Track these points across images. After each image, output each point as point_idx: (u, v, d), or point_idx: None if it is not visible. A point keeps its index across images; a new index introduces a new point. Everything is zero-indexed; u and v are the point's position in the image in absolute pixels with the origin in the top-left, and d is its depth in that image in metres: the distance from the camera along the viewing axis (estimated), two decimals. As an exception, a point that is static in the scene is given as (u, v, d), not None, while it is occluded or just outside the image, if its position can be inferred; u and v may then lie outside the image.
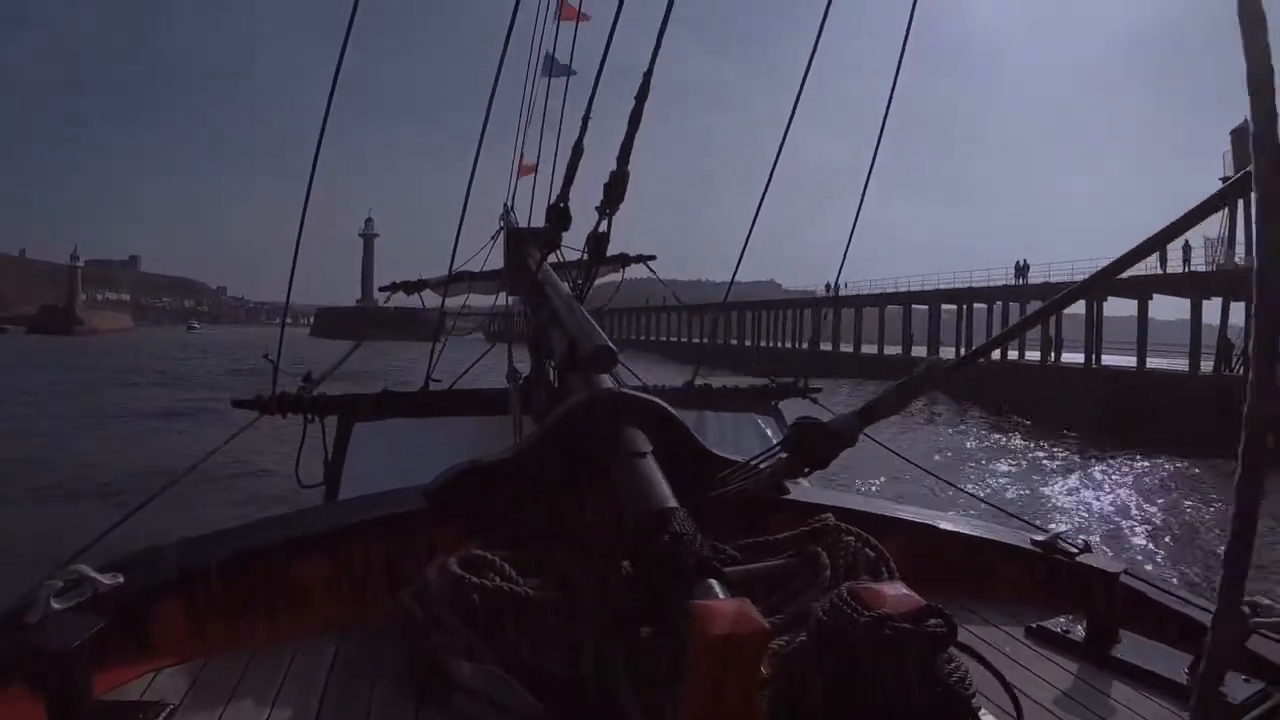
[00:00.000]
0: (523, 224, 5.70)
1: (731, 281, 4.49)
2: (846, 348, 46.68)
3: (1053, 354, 29.65)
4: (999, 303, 37.89)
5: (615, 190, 2.09)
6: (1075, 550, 1.86)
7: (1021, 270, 37.51)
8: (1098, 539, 9.94)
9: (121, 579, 1.40)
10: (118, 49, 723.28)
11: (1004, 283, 37.86)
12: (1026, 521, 2.54)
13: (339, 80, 2.84)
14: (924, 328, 42.70)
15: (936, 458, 17.24)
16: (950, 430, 21.79)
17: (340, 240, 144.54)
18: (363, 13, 2.67)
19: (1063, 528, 2.11)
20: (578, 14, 6.05)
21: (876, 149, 3.36)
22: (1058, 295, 1.43)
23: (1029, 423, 23.09)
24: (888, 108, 3.27)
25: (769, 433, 3.86)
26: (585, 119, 2.49)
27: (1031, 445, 19.52)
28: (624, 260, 5.86)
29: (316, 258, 3.30)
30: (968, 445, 19.68)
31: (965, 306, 39.96)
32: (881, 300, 46.89)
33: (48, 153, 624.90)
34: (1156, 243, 1.12)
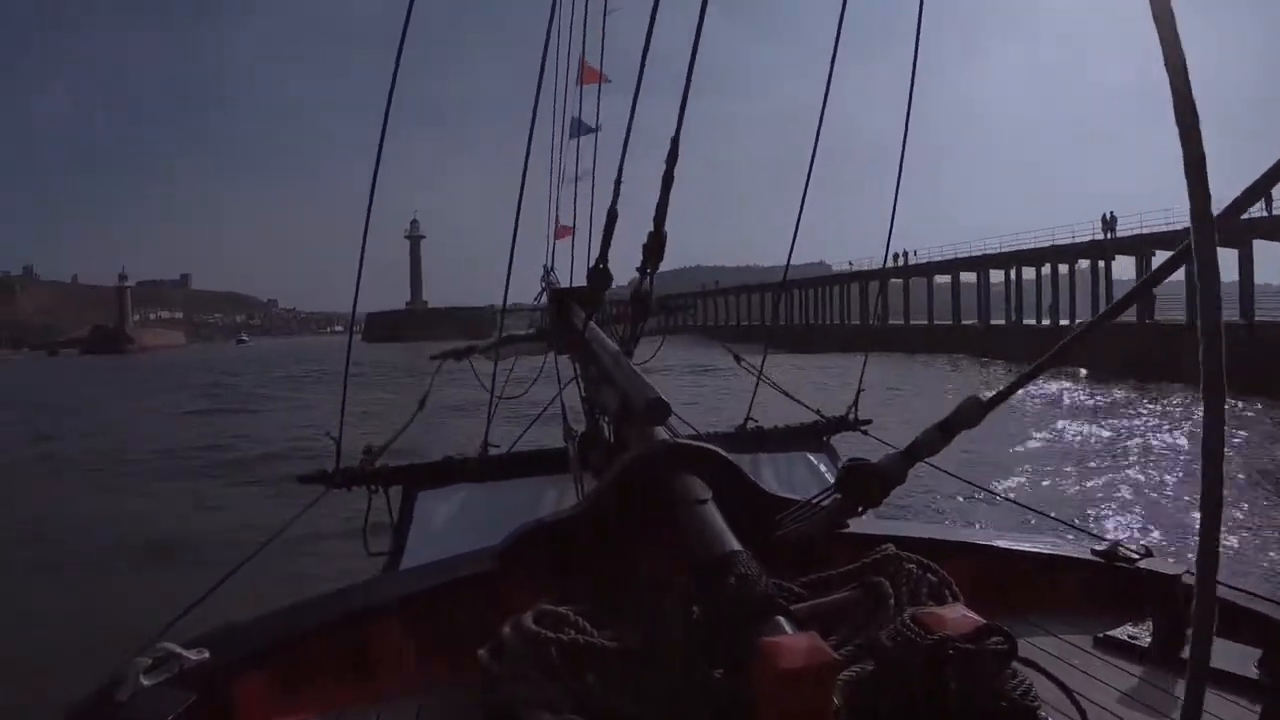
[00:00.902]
0: (564, 279, 5.97)
1: (788, 262, 4.48)
2: (919, 320, 44.86)
3: (1147, 317, 27.61)
4: (1082, 263, 35.47)
5: (654, 252, 2.15)
6: (1136, 556, 1.87)
7: (1109, 224, 34.93)
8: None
9: (207, 654, 1.46)
10: (144, 68, 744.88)
11: (1091, 238, 35.34)
12: (1085, 530, 2.45)
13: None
14: (999, 295, 40.53)
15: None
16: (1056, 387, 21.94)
17: (387, 243, 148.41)
18: (397, 26, 2.79)
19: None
20: (600, 76, 6.45)
21: (907, 122, 3.37)
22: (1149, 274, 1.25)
23: (1131, 380, 23.01)
24: (911, 86, 3.29)
25: (822, 468, 3.94)
26: (617, 183, 2.56)
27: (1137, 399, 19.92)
28: (667, 310, 6.11)
29: (366, 263, 3.44)
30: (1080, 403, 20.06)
31: (1052, 267, 37.52)
32: (955, 266, 44.24)
33: (96, 182, 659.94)
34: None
